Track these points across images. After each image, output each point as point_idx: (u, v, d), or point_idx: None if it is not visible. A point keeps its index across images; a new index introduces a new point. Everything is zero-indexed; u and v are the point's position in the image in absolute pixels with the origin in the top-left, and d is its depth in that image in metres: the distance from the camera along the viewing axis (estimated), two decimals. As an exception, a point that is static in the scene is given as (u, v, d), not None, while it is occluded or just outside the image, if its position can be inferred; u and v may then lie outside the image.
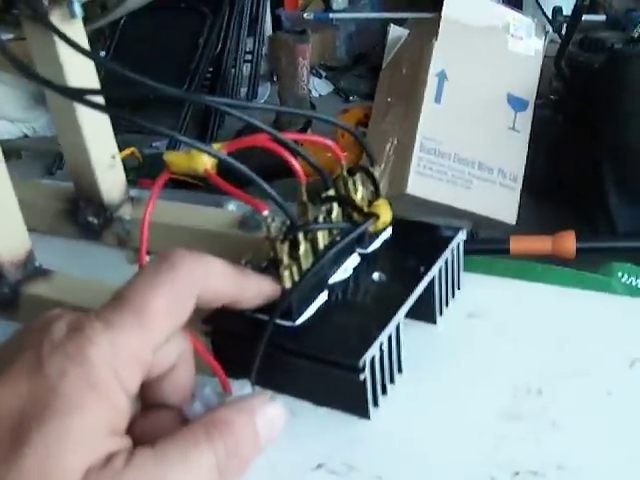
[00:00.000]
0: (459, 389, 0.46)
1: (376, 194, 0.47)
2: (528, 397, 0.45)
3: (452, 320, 0.51)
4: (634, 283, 1.34)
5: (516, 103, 1.76)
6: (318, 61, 2.99)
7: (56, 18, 0.55)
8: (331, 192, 0.47)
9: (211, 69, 2.65)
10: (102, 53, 2.42)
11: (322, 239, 0.45)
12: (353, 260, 0.48)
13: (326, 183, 0.47)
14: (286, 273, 0.43)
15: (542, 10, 2.03)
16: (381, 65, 2.15)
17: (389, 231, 0.51)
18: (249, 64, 2.88)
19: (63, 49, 0.56)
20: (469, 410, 0.45)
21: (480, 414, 0.44)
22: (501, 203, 1.70)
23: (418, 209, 1.68)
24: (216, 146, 0.45)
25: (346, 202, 0.46)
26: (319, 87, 2.94)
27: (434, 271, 0.47)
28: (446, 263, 0.49)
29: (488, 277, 0.55)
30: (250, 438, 0.37)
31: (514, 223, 1.69)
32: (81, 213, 0.64)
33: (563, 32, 1.82)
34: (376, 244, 0.50)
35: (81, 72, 0.58)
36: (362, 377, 0.41)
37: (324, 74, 2.98)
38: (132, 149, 1.85)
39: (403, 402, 0.45)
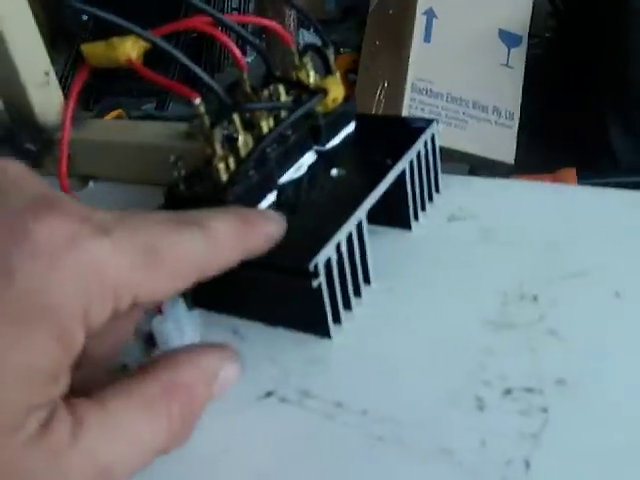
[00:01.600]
0: (438, 300, 0.39)
1: (326, 73, 0.40)
2: (521, 304, 0.38)
3: (430, 225, 0.44)
4: None
5: (508, 38, 1.69)
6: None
7: None
8: (277, 73, 0.39)
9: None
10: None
11: (267, 128, 0.38)
12: (308, 158, 0.41)
13: (269, 66, 0.39)
14: (221, 166, 0.36)
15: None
16: (371, 16, 2.07)
17: (351, 127, 0.44)
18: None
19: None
20: (450, 323, 0.38)
21: (464, 326, 0.37)
22: (498, 142, 1.65)
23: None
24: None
25: (291, 82, 0.38)
26: (309, 40, 2.86)
27: (403, 164, 0.40)
28: (419, 157, 0.42)
29: (471, 177, 0.47)
30: (205, 401, 0.30)
31: (512, 162, 1.63)
32: (17, 139, 0.57)
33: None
34: (336, 140, 0.43)
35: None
36: (316, 283, 0.34)
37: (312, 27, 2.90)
38: (118, 111, 1.79)
39: (371, 317, 0.38)
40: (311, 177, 0.40)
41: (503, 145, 1.66)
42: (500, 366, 0.35)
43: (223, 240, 0.30)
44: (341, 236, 0.35)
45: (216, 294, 0.38)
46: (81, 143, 0.54)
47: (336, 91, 0.38)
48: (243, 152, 0.36)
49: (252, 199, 0.37)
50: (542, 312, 0.37)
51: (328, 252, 0.34)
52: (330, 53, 0.41)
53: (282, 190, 0.39)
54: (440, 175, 0.46)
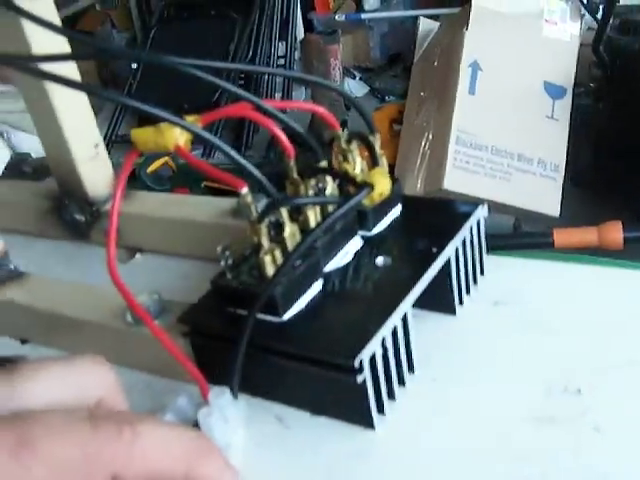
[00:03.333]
0: (481, 390, 0.39)
1: (373, 164, 0.40)
2: (564, 396, 0.37)
3: (474, 310, 0.44)
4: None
5: (553, 91, 1.69)
6: (352, 63, 2.94)
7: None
8: (323, 163, 0.40)
9: (243, 76, 2.61)
10: (134, 65, 2.38)
11: (314, 219, 0.38)
12: (354, 244, 0.41)
13: (317, 155, 0.40)
14: (267, 259, 0.36)
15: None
16: (416, 63, 2.08)
17: (397, 210, 0.44)
18: (282, 69, 2.83)
19: (28, 25, 0.50)
20: (493, 415, 0.37)
21: (506, 419, 0.37)
22: (543, 195, 1.63)
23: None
24: (190, 119, 0.39)
25: (338, 174, 0.39)
26: (354, 88, 2.87)
27: (449, 252, 0.40)
28: (464, 243, 0.42)
29: (515, 259, 0.47)
30: None
31: (557, 215, 1.62)
32: (66, 210, 0.58)
33: (599, 15, 1.74)
34: (382, 225, 0.43)
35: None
36: (360, 379, 0.34)
37: (358, 75, 2.92)
38: (166, 159, 1.81)
39: (414, 408, 0.38)
40: (357, 265, 0.40)
41: (548, 198, 1.64)
42: (542, 462, 0.34)
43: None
44: (386, 331, 0.35)
45: (262, 381, 0.38)
46: (129, 216, 0.55)
47: (383, 185, 0.38)
48: (290, 243, 0.37)
49: (298, 290, 0.38)
50: (586, 406, 0.37)
51: (373, 348, 0.34)
52: (376, 140, 0.41)
53: (328, 278, 0.39)
54: (485, 257, 0.46)
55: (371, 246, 0.41)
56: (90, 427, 0.28)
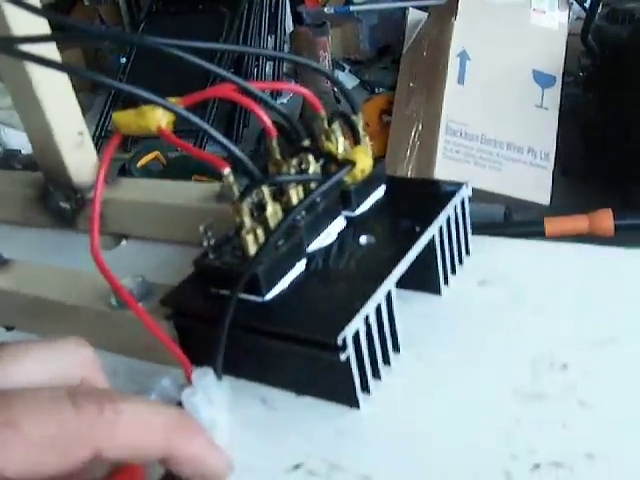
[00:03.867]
0: (468, 368, 0.39)
1: (355, 142, 0.40)
2: (551, 373, 0.37)
3: (460, 289, 0.43)
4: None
5: (542, 79, 1.69)
6: (342, 55, 2.94)
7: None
8: (306, 142, 0.40)
9: (232, 70, 2.61)
10: (123, 60, 2.38)
11: (296, 198, 0.38)
12: (338, 224, 0.41)
13: (299, 134, 0.40)
14: (249, 238, 0.36)
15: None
16: (405, 55, 2.08)
17: (381, 191, 0.44)
18: (271, 62, 2.83)
19: (8, 7, 0.50)
20: (480, 392, 0.37)
21: (493, 396, 0.37)
22: (533, 183, 1.64)
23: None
24: (172, 100, 0.39)
25: (320, 152, 0.39)
26: (344, 81, 2.87)
27: (433, 230, 0.40)
28: (448, 222, 0.42)
29: (501, 239, 0.47)
30: None
31: (548, 203, 1.62)
32: (51, 198, 0.58)
33: (587, 4, 1.74)
34: (365, 206, 0.43)
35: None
36: (344, 357, 0.34)
37: (348, 67, 2.92)
38: (156, 153, 1.81)
39: (400, 387, 0.38)
40: (340, 245, 0.40)
41: (538, 186, 1.65)
42: (529, 439, 0.34)
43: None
44: (369, 308, 0.35)
45: (245, 362, 0.38)
46: (114, 203, 0.55)
47: (364, 162, 0.38)
48: (272, 222, 0.37)
49: (281, 269, 0.37)
50: (572, 381, 0.37)
51: (356, 325, 0.34)
52: (359, 120, 0.41)
53: (311, 258, 0.39)
54: (470, 237, 0.45)
55: (354, 226, 0.41)
56: (72, 405, 0.28)
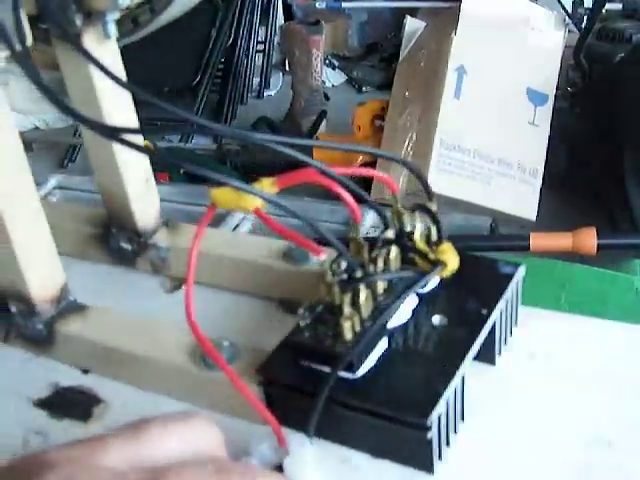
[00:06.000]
0: (519, 441, 0.44)
1: (439, 237, 0.44)
2: (596, 449, 0.42)
3: (511, 361, 0.48)
4: (656, 281, 1.32)
5: (536, 97, 1.74)
6: (330, 51, 2.96)
7: (89, 39, 0.52)
8: (390, 233, 0.44)
9: (223, 60, 2.63)
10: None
11: (381, 283, 0.43)
12: (412, 302, 0.46)
13: (386, 222, 0.44)
14: (347, 325, 0.40)
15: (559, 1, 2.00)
16: (394, 55, 2.12)
17: (445, 267, 0.48)
18: (261, 54, 2.86)
19: (96, 73, 0.53)
20: (529, 464, 0.42)
21: (543, 468, 0.42)
22: (521, 199, 1.69)
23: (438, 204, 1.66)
24: (266, 182, 0.43)
25: (410, 248, 0.43)
26: (332, 77, 2.91)
27: (497, 313, 0.45)
28: (506, 302, 0.47)
29: (545, 311, 0.52)
30: None
31: (534, 219, 1.67)
32: (113, 239, 0.61)
33: (583, 24, 1.79)
34: (433, 283, 0.47)
35: (115, 98, 0.55)
36: (430, 435, 0.39)
37: (337, 64, 2.95)
38: (145, 142, 1.82)
39: (466, 454, 0.43)
40: (416, 324, 0.44)
41: (525, 202, 1.70)
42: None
43: None
44: (450, 391, 0.40)
45: (329, 427, 0.43)
46: (176, 250, 0.59)
47: (453, 262, 0.42)
48: (364, 309, 0.41)
49: (370, 348, 0.42)
50: (618, 460, 0.42)
51: (441, 408, 0.39)
52: (438, 216, 0.45)
53: (391, 336, 0.44)
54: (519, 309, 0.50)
55: (426, 304, 0.46)
56: None
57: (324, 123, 2.33)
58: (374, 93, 2.76)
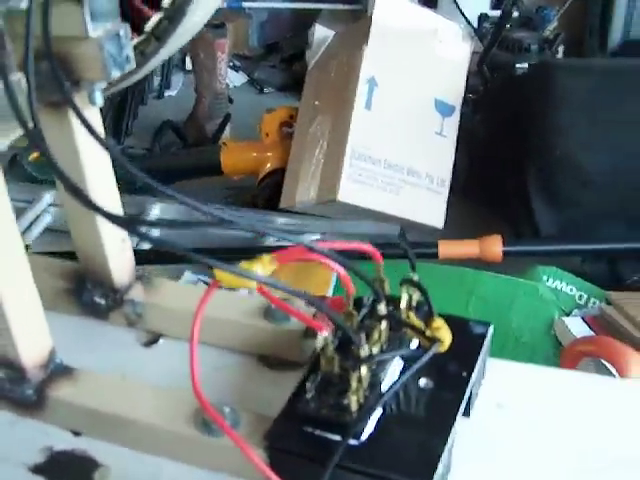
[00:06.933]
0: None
1: (429, 312, 0.48)
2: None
3: (482, 412, 0.53)
4: (559, 287, 1.40)
5: (443, 108, 1.79)
6: (231, 51, 2.96)
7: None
8: (382, 307, 0.48)
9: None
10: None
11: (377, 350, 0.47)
12: (398, 364, 0.50)
13: (378, 297, 0.48)
14: (354, 398, 0.44)
15: (461, 12, 2.07)
16: (294, 55, 2.14)
17: (422, 328, 0.53)
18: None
19: (80, 137, 0.55)
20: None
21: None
22: (429, 208, 1.73)
23: (348, 213, 1.70)
24: (266, 259, 0.46)
25: (405, 324, 0.47)
26: (234, 78, 2.91)
27: (475, 373, 0.50)
28: (481, 361, 0.52)
29: (506, 362, 0.57)
30: None
31: (441, 228, 1.73)
32: (87, 293, 0.63)
33: (486, 40, 1.86)
34: (414, 344, 0.51)
35: (96, 161, 0.57)
36: (432, 495, 0.43)
37: (239, 65, 2.96)
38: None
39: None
40: (405, 387, 0.49)
41: (433, 211, 1.74)
42: None
43: None
44: (446, 451, 0.44)
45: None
46: (152, 306, 0.62)
47: (447, 338, 0.47)
48: (365, 382, 0.45)
49: (370, 414, 0.46)
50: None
51: (440, 469, 0.43)
52: (427, 293, 0.49)
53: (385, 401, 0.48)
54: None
55: (408, 364, 0.50)
56: None
57: (228, 127, 2.34)
58: (276, 94, 2.78)
